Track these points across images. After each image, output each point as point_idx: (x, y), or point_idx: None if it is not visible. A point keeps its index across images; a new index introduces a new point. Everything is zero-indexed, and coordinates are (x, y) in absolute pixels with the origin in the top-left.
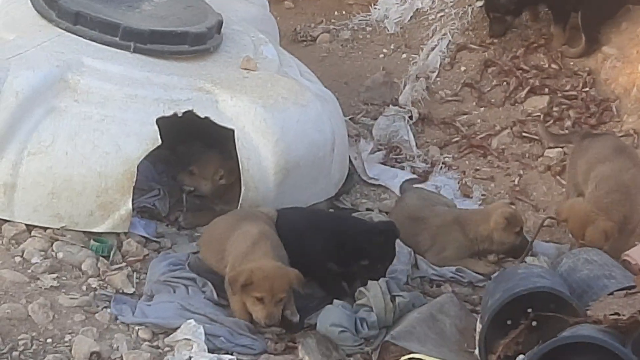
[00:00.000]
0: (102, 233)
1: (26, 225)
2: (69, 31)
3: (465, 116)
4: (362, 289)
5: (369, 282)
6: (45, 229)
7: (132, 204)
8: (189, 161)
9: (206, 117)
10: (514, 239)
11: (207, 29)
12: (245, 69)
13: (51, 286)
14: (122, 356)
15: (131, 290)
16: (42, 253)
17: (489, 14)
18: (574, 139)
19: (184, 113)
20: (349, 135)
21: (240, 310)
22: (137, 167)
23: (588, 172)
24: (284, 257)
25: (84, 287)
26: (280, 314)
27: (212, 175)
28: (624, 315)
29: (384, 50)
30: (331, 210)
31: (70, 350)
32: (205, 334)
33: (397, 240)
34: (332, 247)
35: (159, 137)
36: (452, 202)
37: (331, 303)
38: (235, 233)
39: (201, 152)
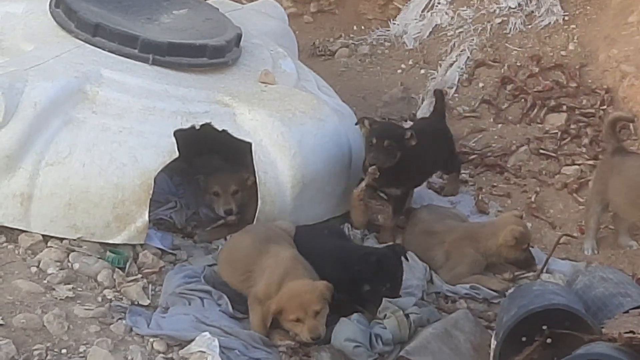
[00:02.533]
0: (118, 244)
1: (42, 235)
2: (88, 43)
3: (482, 133)
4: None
5: (385, 303)
6: (61, 239)
7: (149, 216)
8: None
9: (224, 130)
10: (519, 255)
11: (226, 42)
12: (263, 82)
13: (67, 297)
14: None
15: (146, 302)
16: (58, 264)
17: None
18: (603, 154)
19: (202, 126)
20: None
21: (259, 324)
22: (154, 179)
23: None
24: (313, 274)
25: (100, 298)
26: (323, 325)
27: (232, 194)
28: (639, 333)
29: (402, 66)
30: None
31: None
32: (220, 346)
33: (412, 255)
34: (335, 276)
35: (176, 149)
36: (464, 216)
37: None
38: (264, 257)
39: (217, 170)
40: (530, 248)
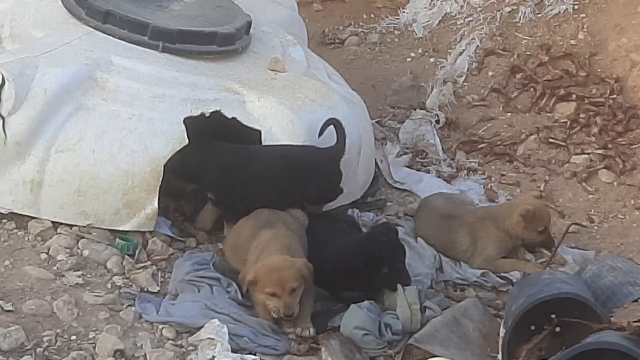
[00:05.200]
0: (127, 231)
1: (52, 222)
2: (98, 30)
3: (491, 121)
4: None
5: (400, 292)
6: (71, 226)
7: (158, 203)
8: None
9: (233, 118)
10: (535, 237)
11: (236, 29)
12: (273, 70)
13: (76, 283)
14: (145, 354)
15: (156, 289)
16: (68, 250)
17: None
18: None
19: (212, 113)
20: (375, 138)
21: (263, 311)
22: (164, 166)
23: None
24: (297, 253)
25: (109, 285)
26: (297, 302)
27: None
28: None
29: (412, 54)
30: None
31: (94, 348)
32: (229, 333)
33: (422, 243)
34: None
35: (186, 136)
36: (473, 202)
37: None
38: (254, 240)
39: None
40: None
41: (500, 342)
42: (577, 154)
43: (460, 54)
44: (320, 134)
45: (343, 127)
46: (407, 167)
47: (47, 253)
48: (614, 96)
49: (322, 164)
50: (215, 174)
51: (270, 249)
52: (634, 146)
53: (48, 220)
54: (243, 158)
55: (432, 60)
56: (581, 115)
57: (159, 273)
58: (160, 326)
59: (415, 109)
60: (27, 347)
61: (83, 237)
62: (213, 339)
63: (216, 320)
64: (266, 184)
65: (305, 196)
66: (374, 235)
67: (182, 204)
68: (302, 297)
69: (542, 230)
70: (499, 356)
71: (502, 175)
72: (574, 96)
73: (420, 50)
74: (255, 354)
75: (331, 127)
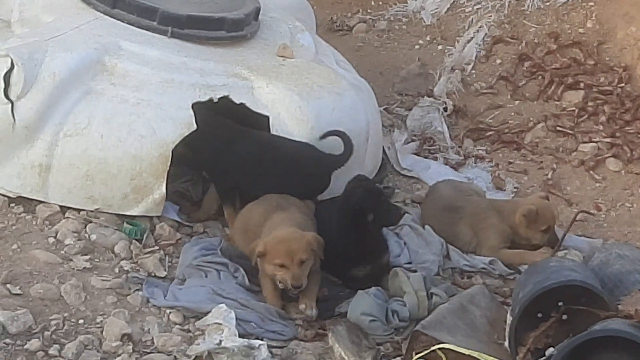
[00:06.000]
0: (135, 216)
1: (60, 206)
2: (107, 14)
3: (499, 109)
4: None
5: (405, 279)
6: (79, 210)
7: (166, 188)
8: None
9: (241, 103)
10: (540, 237)
11: (245, 15)
12: (281, 56)
13: (84, 268)
14: (153, 339)
15: (163, 274)
16: (76, 234)
17: None
18: None
19: (220, 99)
20: (383, 125)
21: (271, 295)
22: (172, 151)
23: None
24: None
25: (117, 270)
26: (306, 275)
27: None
28: None
29: (420, 42)
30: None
31: (102, 332)
32: (236, 318)
33: (429, 230)
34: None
35: (194, 121)
36: (482, 191)
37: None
38: (267, 222)
39: None
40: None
41: (507, 329)
42: (584, 142)
43: (469, 41)
44: (322, 138)
45: (352, 143)
46: (415, 154)
47: (55, 237)
48: (622, 85)
49: (314, 165)
50: (208, 152)
51: (282, 226)
52: None
53: (56, 204)
54: (239, 140)
55: (440, 47)
56: (589, 104)
57: (167, 258)
58: (168, 311)
59: (423, 97)
60: (34, 331)
61: (91, 222)
62: (220, 324)
63: (223, 305)
64: (255, 169)
65: (288, 189)
66: (347, 190)
67: (189, 189)
68: (308, 276)
69: (545, 229)
70: (506, 343)
71: (510, 163)
72: (582, 84)
73: (428, 38)
74: (262, 339)
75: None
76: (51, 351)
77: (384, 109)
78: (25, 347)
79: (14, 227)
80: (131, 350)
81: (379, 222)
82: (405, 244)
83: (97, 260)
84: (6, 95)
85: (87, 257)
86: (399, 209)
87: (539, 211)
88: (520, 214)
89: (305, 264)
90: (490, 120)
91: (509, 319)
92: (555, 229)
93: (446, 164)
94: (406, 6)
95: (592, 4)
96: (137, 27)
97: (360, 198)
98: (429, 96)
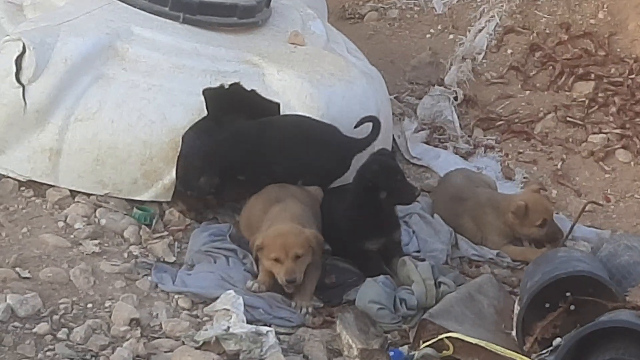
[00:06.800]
0: (145, 201)
1: (70, 190)
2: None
3: (509, 99)
4: (408, 269)
5: (413, 268)
6: (89, 195)
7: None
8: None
9: (252, 90)
10: (537, 232)
11: (257, 2)
12: (293, 43)
13: (93, 252)
14: (161, 324)
15: (172, 259)
16: (85, 219)
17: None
18: None
19: (231, 85)
20: (393, 114)
21: (266, 277)
22: (182, 137)
23: None
24: (307, 224)
25: (126, 255)
26: (301, 271)
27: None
28: None
29: (431, 31)
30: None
31: (110, 316)
32: (244, 305)
33: (438, 219)
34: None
35: (205, 107)
36: (494, 182)
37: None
38: (266, 216)
39: None
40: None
41: (515, 319)
42: (594, 133)
43: (480, 31)
44: (356, 127)
45: (379, 128)
46: (425, 143)
47: (64, 221)
48: (633, 76)
49: (335, 147)
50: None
51: (279, 219)
52: None
53: (66, 188)
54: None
55: (451, 37)
56: (599, 95)
57: (176, 243)
58: (176, 296)
59: (433, 85)
60: (43, 314)
61: (100, 206)
62: (228, 310)
63: (232, 291)
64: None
65: (305, 172)
66: (364, 165)
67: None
68: (306, 272)
69: (541, 224)
70: (513, 333)
71: (519, 153)
72: (592, 75)
73: (439, 27)
74: (270, 326)
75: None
76: (59, 335)
77: (394, 98)
78: (34, 330)
79: (24, 211)
80: (139, 335)
81: (392, 200)
82: (414, 232)
83: (107, 244)
84: (18, 79)
85: (97, 241)
86: (414, 189)
87: (529, 206)
88: (510, 211)
89: (301, 259)
90: (501, 110)
91: (517, 308)
92: (554, 221)
93: (456, 153)
94: None
95: None
96: (149, 12)
97: (374, 174)
98: (439, 85)
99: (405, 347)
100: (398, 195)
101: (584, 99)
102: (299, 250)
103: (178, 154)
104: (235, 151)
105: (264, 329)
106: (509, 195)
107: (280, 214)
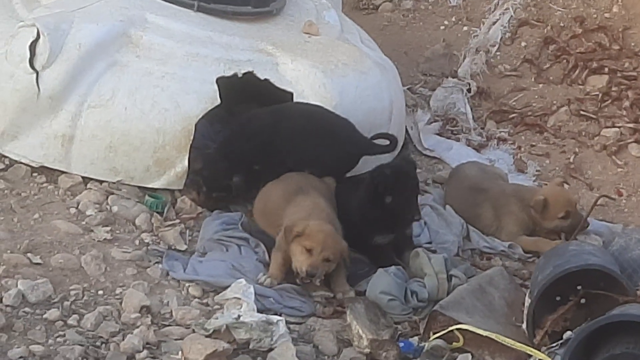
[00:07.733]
0: (157, 189)
1: (82, 177)
2: None
3: (523, 92)
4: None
5: (426, 261)
6: (101, 182)
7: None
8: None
9: (266, 79)
10: (560, 224)
11: None
12: (307, 33)
13: (104, 239)
14: (171, 311)
15: (183, 247)
16: (97, 206)
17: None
18: None
19: (244, 74)
20: (406, 105)
21: (277, 270)
22: (195, 125)
23: None
24: (338, 228)
25: (137, 242)
26: (322, 272)
27: None
28: None
29: (445, 22)
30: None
31: (121, 303)
32: (255, 294)
33: (450, 210)
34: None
35: (218, 96)
36: (505, 175)
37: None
38: (290, 205)
39: None
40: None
41: (525, 312)
42: (607, 127)
43: (494, 23)
44: (372, 139)
45: (396, 145)
46: (437, 134)
47: (76, 208)
48: None
49: (346, 142)
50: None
51: (315, 215)
52: None
53: (78, 175)
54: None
55: (465, 29)
56: (613, 89)
57: (187, 231)
58: (187, 284)
59: (447, 77)
60: (54, 300)
61: (112, 193)
62: (239, 299)
63: (242, 280)
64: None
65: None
66: (382, 165)
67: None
68: (336, 268)
69: (564, 215)
70: (524, 325)
71: (532, 145)
72: (606, 69)
73: (453, 19)
74: (280, 315)
75: None
76: (70, 321)
77: (407, 89)
78: (45, 316)
79: (36, 197)
80: (150, 322)
81: (395, 207)
82: (425, 223)
83: (118, 231)
84: (31, 65)
85: (108, 228)
86: (415, 212)
87: (548, 200)
88: (533, 203)
89: (328, 264)
90: (514, 103)
91: (527, 301)
92: (578, 212)
93: (468, 145)
94: None
95: None
96: (164, 0)
97: (384, 178)
98: (452, 77)
99: (416, 338)
100: (405, 206)
101: (597, 93)
102: (332, 256)
103: (190, 143)
104: (252, 141)
105: (275, 318)
106: (535, 188)
107: (315, 211)
